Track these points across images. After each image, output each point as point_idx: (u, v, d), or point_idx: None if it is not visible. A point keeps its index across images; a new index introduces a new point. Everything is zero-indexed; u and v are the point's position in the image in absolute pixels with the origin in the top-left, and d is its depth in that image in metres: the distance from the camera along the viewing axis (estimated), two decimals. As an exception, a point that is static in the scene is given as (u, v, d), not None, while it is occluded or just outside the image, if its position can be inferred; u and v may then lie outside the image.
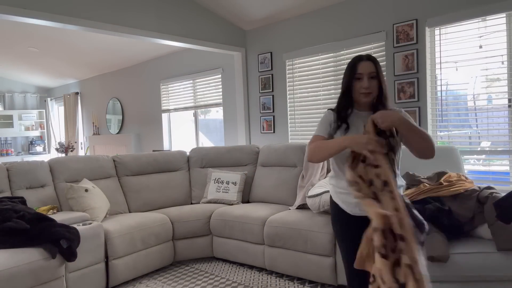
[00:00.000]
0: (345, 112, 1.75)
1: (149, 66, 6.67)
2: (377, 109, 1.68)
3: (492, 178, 3.33)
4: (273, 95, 4.93)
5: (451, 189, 2.45)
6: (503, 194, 2.26)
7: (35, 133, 9.35)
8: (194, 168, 4.19)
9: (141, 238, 3.18)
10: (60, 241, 2.53)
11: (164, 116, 6.46)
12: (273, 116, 4.95)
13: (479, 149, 3.48)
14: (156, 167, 4.07)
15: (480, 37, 3.31)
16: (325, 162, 3.48)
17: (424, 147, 1.62)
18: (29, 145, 9.30)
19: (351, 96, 1.74)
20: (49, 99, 9.50)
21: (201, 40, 4.64)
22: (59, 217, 2.82)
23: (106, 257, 2.98)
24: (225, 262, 3.49)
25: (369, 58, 1.72)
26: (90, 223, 2.92)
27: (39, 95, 9.52)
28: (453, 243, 2.24)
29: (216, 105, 5.66)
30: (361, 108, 1.77)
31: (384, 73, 3.83)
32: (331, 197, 1.87)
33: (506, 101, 3.23)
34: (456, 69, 3.46)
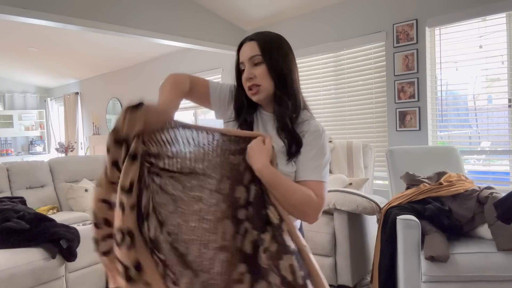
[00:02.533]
0: (242, 109, 1.24)
1: (149, 66, 6.67)
2: (278, 112, 1.18)
3: (492, 178, 3.33)
4: (273, 95, 4.93)
5: (451, 189, 2.45)
6: (503, 194, 2.26)
7: (35, 133, 9.34)
8: (194, 168, 4.19)
9: (141, 238, 3.17)
10: (60, 241, 2.53)
11: (164, 116, 6.46)
12: (273, 116, 4.95)
13: (479, 149, 3.48)
14: (156, 167, 4.06)
15: (480, 37, 3.31)
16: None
17: (291, 211, 1.07)
18: (29, 145, 9.30)
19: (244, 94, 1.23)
20: (49, 99, 9.49)
21: (201, 40, 4.64)
22: (59, 217, 2.82)
23: (106, 257, 2.98)
24: (225, 262, 3.48)
25: (253, 36, 1.21)
26: (90, 223, 2.92)
27: (39, 95, 9.52)
28: (453, 243, 2.24)
29: (216, 105, 5.66)
30: (264, 108, 1.25)
31: (384, 73, 3.83)
32: None
33: (506, 101, 3.23)
34: (456, 69, 3.46)
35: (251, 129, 1.22)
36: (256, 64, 1.16)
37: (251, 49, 1.18)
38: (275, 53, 1.17)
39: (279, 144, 1.16)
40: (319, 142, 1.15)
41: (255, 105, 1.23)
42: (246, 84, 1.18)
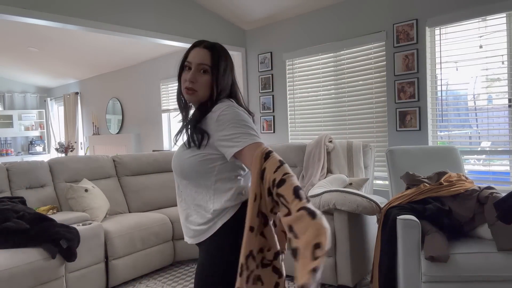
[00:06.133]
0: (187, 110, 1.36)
1: (149, 66, 6.67)
2: (194, 112, 1.29)
3: (492, 178, 3.33)
4: (273, 95, 4.93)
5: (451, 189, 2.45)
6: (503, 194, 2.26)
7: (35, 133, 9.34)
8: (194, 168, 4.19)
9: (141, 238, 3.17)
10: (60, 241, 2.53)
11: (164, 116, 6.46)
12: (273, 116, 4.95)
13: (479, 149, 3.48)
14: (156, 167, 4.06)
15: (480, 37, 3.31)
16: (325, 162, 3.48)
17: None
18: (29, 145, 9.29)
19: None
20: (49, 99, 9.49)
21: (201, 40, 4.64)
22: (59, 217, 2.82)
23: (106, 257, 2.98)
24: (225, 262, 3.48)
25: (209, 46, 1.28)
26: (90, 223, 2.92)
27: (39, 95, 9.52)
28: (453, 243, 2.24)
29: (216, 105, 5.66)
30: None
31: (384, 73, 3.83)
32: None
33: (506, 101, 3.23)
34: (456, 69, 3.46)
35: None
36: (202, 72, 1.26)
37: (203, 57, 1.27)
38: (221, 70, 1.28)
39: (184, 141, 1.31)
40: (224, 118, 1.20)
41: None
42: (184, 83, 1.27)
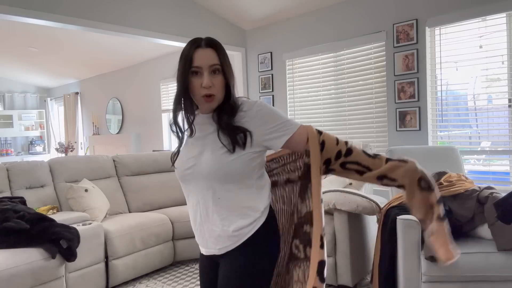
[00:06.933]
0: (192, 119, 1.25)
1: (149, 66, 6.67)
2: (220, 115, 1.21)
3: (492, 178, 3.33)
4: (273, 95, 4.93)
5: (451, 189, 2.45)
6: (503, 194, 2.26)
7: (35, 133, 9.34)
8: (194, 168, 4.19)
9: (141, 238, 3.17)
10: (60, 241, 2.53)
11: (164, 116, 6.46)
12: (273, 116, 4.95)
13: (479, 149, 3.48)
14: (156, 167, 4.06)
15: (480, 37, 3.31)
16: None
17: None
18: (29, 145, 9.30)
19: (190, 97, 1.21)
20: (49, 99, 9.50)
21: (201, 40, 4.64)
22: (59, 217, 2.82)
23: (106, 257, 2.98)
24: (225, 262, 3.48)
25: (210, 43, 1.22)
26: (90, 223, 2.92)
27: (39, 95, 9.52)
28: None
29: (216, 105, 5.66)
30: (203, 111, 1.26)
31: (384, 73, 3.83)
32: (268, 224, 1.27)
33: (506, 101, 3.23)
34: (456, 69, 3.46)
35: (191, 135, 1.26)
36: (214, 73, 1.18)
37: (211, 57, 1.18)
38: (228, 64, 1.22)
39: (218, 145, 1.20)
40: (263, 112, 1.20)
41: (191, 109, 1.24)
42: (202, 91, 1.17)
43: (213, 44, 1.22)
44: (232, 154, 1.18)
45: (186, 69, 1.18)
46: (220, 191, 1.21)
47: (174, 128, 1.27)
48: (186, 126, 1.26)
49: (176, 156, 1.30)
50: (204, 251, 1.30)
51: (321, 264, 1.13)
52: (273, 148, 1.24)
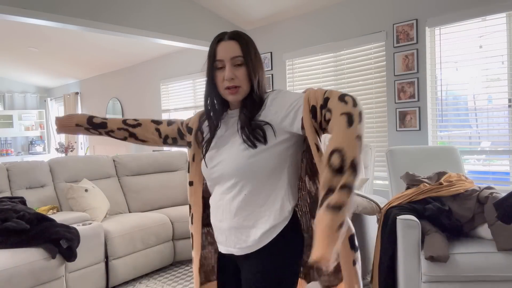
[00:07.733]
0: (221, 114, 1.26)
1: (149, 66, 6.67)
2: (246, 112, 1.20)
3: (492, 178, 3.33)
4: (273, 95, 4.93)
5: (451, 189, 2.45)
6: (503, 194, 2.26)
7: (35, 133, 9.34)
8: (194, 168, 4.19)
9: (141, 238, 3.17)
10: (60, 241, 2.53)
11: (164, 116, 6.46)
12: (273, 116, 4.95)
13: (479, 149, 3.48)
14: (156, 167, 4.07)
15: (480, 37, 3.31)
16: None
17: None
18: (29, 145, 9.30)
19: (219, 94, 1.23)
20: (49, 99, 9.50)
21: (201, 40, 4.64)
22: (59, 217, 2.82)
23: (106, 257, 2.98)
24: (225, 262, 3.48)
25: (233, 36, 1.19)
26: (90, 223, 2.92)
27: (39, 95, 9.52)
28: (453, 243, 2.24)
29: (216, 105, 5.65)
30: (231, 105, 1.27)
31: (384, 73, 3.83)
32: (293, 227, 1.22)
33: (506, 101, 3.23)
34: (456, 69, 3.46)
35: (215, 131, 1.25)
36: (237, 65, 1.17)
37: (233, 49, 1.17)
38: (253, 56, 1.19)
39: (241, 141, 1.18)
40: (278, 98, 1.18)
41: (223, 105, 1.24)
42: (224, 84, 1.17)
43: (236, 36, 1.19)
44: (255, 149, 1.15)
45: (211, 63, 1.19)
46: (248, 188, 1.17)
47: (208, 123, 1.27)
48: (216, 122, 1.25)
49: (207, 148, 1.28)
50: (223, 249, 1.26)
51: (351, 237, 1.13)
52: (296, 130, 1.13)
